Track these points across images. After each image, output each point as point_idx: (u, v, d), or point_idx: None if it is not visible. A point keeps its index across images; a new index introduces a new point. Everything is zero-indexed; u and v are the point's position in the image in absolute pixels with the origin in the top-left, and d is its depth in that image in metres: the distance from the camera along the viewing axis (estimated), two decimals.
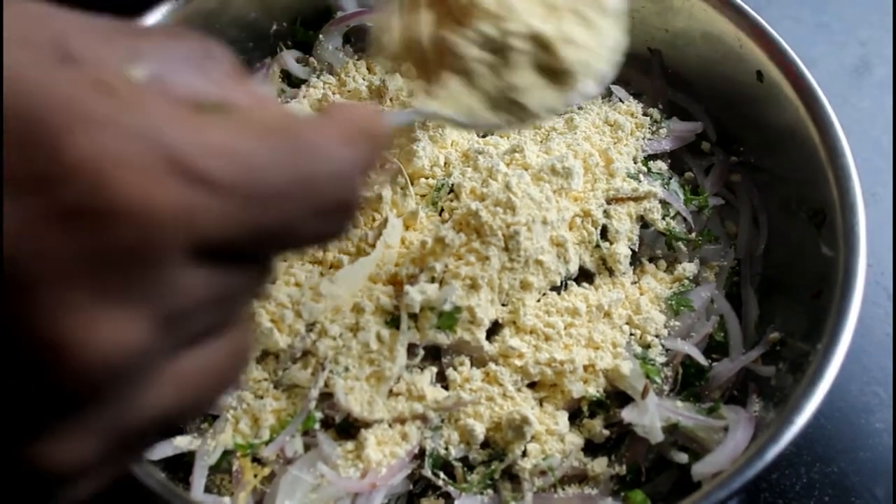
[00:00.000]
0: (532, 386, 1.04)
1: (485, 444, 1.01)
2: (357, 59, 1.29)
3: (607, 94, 1.27)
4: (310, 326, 1.01)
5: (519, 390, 1.02)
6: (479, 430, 0.99)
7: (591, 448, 1.04)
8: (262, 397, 1.00)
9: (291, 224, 0.51)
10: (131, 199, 0.42)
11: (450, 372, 1.02)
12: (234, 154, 0.47)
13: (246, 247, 0.49)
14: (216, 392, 0.54)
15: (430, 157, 1.14)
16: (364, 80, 1.24)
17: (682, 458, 1.02)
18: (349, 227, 0.56)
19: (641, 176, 1.17)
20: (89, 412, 0.45)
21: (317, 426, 0.99)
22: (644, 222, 1.15)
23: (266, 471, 0.99)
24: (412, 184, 1.12)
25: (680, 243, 1.17)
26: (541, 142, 1.17)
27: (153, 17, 1.18)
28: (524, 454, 1.00)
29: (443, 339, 1.01)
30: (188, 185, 0.45)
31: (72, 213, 0.42)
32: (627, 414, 1.02)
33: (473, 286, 1.01)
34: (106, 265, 0.43)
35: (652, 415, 1.01)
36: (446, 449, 1.00)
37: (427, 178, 1.13)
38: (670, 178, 1.20)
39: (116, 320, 0.43)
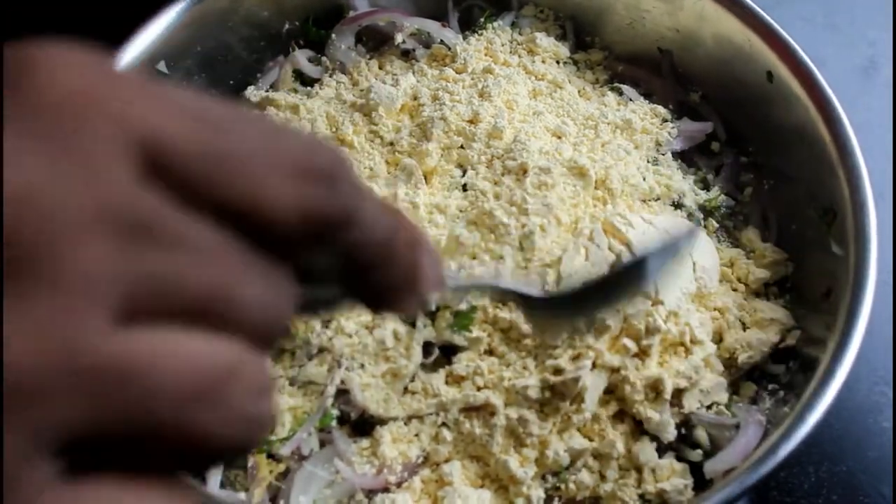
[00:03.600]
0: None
1: None
2: (369, 59, 1.29)
3: (619, 94, 1.28)
4: (326, 323, 1.01)
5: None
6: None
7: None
8: (278, 394, 1.01)
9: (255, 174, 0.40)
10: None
11: (459, 366, 1.02)
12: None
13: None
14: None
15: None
16: (376, 78, 1.25)
17: (695, 455, 1.03)
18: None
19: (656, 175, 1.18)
20: None
21: (333, 423, 1.00)
22: None
23: (281, 467, 1.00)
24: (426, 182, 1.12)
25: None
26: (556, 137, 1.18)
27: (167, 16, 1.19)
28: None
29: (459, 339, 1.02)
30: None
31: None
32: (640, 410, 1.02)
33: None
34: None
35: (664, 412, 1.01)
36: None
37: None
38: (682, 178, 1.21)
39: None
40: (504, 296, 0.86)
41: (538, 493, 0.98)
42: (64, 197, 0.35)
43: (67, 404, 0.34)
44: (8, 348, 0.33)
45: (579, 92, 1.27)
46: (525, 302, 0.78)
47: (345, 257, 0.47)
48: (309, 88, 1.27)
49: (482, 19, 1.34)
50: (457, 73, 1.22)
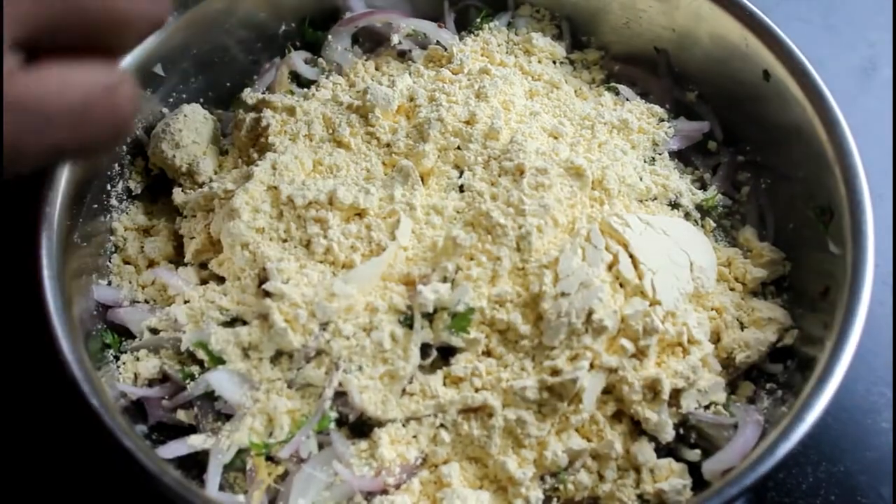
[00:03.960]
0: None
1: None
2: (366, 60, 1.29)
3: (616, 94, 1.28)
4: (323, 326, 1.01)
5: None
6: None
7: None
8: (276, 396, 1.01)
9: None
10: None
11: (457, 368, 1.02)
12: None
13: None
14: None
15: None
16: (373, 80, 1.25)
17: (693, 455, 1.03)
18: None
19: (653, 175, 1.18)
20: None
21: (331, 425, 1.00)
22: None
23: (280, 469, 1.00)
24: (423, 183, 1.12)
25: None
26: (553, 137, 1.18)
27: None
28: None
29: (456, 340, 1.02)
30: None
31: None
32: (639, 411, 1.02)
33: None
34: None
35: (662, 412, 1.01)
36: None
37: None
38: (679, 177, 1.21)
39: None
40: None
41: (537, 493, 0.98)
42: None
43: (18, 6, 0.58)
44: None
45: (576, 92, 1.27)
46: None
47: None
48: (305, 90, 1.27)
49: (478, 20, 1.34)
50: (453, 73, 1.22)
